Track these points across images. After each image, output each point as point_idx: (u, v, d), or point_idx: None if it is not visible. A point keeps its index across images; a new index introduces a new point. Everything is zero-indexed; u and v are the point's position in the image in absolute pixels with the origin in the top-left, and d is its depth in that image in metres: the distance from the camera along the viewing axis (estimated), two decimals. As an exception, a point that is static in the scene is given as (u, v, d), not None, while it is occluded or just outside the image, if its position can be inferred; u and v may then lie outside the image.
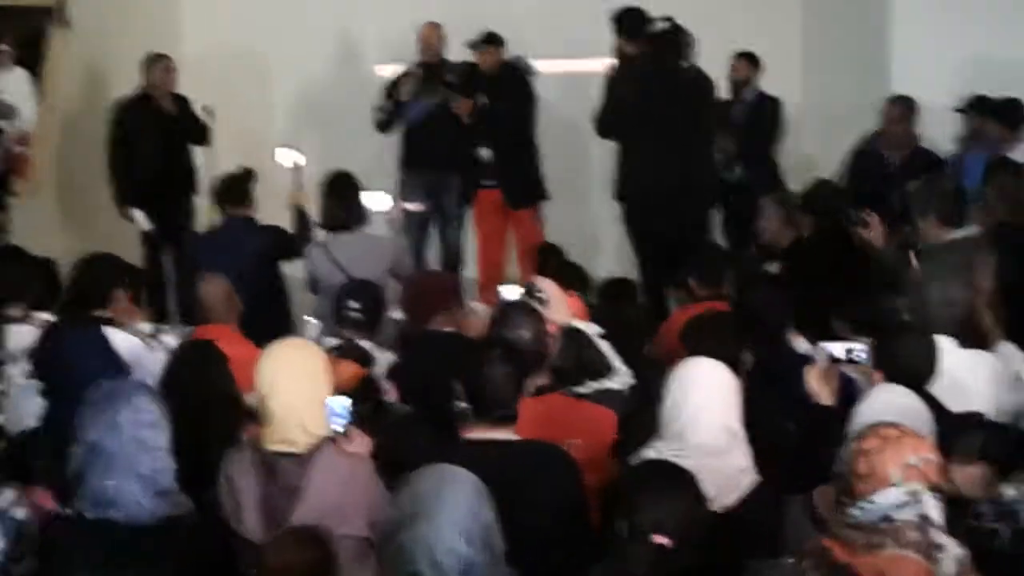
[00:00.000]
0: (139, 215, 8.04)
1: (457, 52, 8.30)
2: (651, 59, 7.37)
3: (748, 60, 8.22)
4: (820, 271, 5.87)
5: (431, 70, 8.14)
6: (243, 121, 9.26)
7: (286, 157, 6.63)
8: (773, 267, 6.17)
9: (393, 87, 8.21)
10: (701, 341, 4.16)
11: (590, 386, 4.23)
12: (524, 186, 8.10)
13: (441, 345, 4.83)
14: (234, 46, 9.67)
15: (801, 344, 5.06)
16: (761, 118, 8.13)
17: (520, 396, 3.67)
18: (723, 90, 8.05)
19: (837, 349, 4.16)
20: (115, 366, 4.54)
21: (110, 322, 4.84)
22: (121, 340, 4.74)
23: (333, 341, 5.10)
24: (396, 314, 5.58)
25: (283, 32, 9.66)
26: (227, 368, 4.23)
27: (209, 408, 4.05)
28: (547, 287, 4.25)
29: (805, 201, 6.34)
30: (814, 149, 8.59)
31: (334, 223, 6.11)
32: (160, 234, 8.14)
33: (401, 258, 6.16)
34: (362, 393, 4.21)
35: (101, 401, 3.29)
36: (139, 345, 4.83)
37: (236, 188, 6.51)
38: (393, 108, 8.15)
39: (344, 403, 3.62)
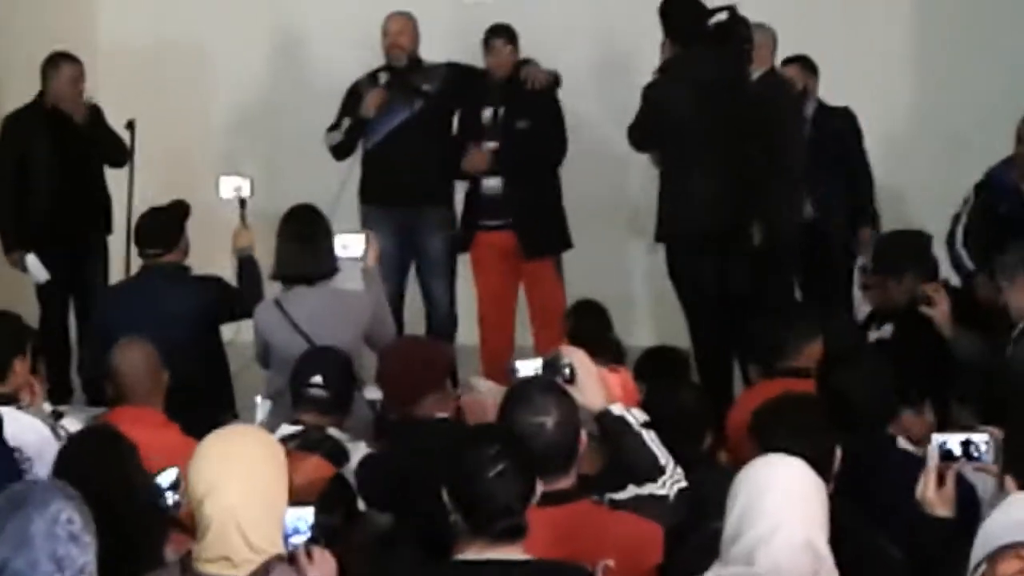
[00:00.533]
0: (33, 262, 8.03)
1: (436, 51, 8.28)
2: (705, 61, 7.41)
3: (801, 65, 8.16)
4: (933, 341, 5.86)
5: (401, 76, 8.13)
6: (172, 137, 9.32)
7: (228, 186, 6.63)
8: (883, 331, 6.17)
9: (351, 100, 8.18)
10: (777, 433, 4.13)
11: (630, 491, 4.20)
12: (545, 229, 8.05)
13: (430, 435, 4.81)
14: (161, 42, 9.74)
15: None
16: (827, 137, 8.05)
17: (529, 502, 3.65)
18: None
19: (952, 442, 4.14)
20: (13, 461, 4.51)
21: (9, 400, 4.85)
22: (25, 425, 4.74)
23: (290, 428, 5.08)
24: (372, 393, 5.56)
25: (222, 26, 9.73)
26: (138, 461, 4.20)
27: (118, 515, 4.02)
28: (578, 359, 4.22)
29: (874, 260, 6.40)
30: (929, 181, 8.61)
31: (293, 274, 6.09)
32: (63, 286, 8.14)
33: (380, 320, 6.12)
34: (330, 498, 4.20)
35: (6, 508, 3.27)
36: (46, 433, 4.84)
37: (163, 226, 6.51)
38: (354, 127, 8.12)
39: (305, 514, 3.59)
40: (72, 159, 8.12)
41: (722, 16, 7.56)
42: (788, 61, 8.15)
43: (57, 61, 8.14)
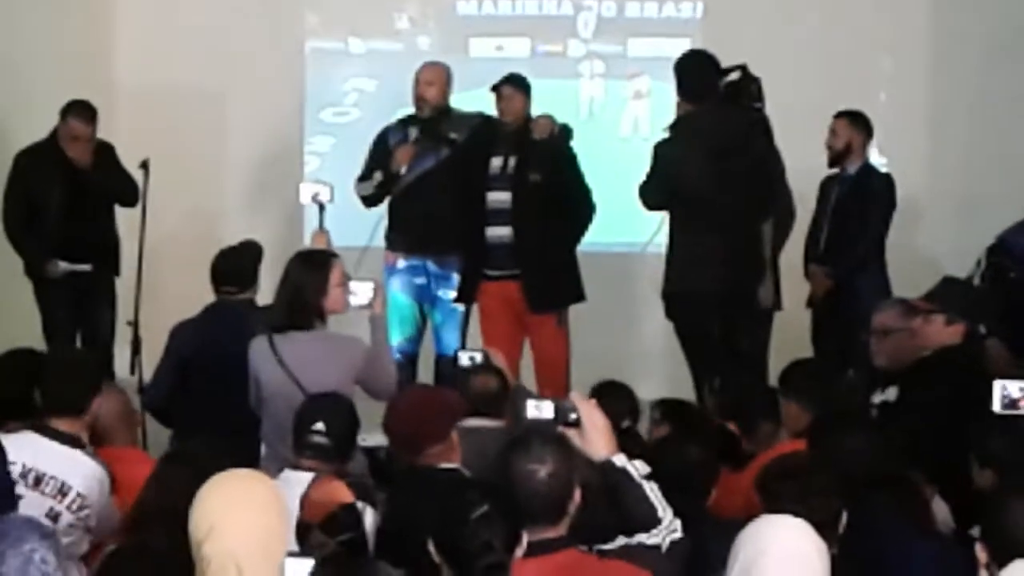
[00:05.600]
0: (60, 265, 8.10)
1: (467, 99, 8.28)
2: (715, 121, 7.40)
3: (849, 121, 8.05)
4: (942, 401, 5.79)
5: (429, 125, 8.13)
6: (186, 178, 9.32)
7: (307, 192, 6.81)
8: (888, 393, 6.08)
9: (380, 149, 8.19)
10: (783, 493, 4.09)
11: (618, 541, 4.14)
12: (552, 283, 7.91)
13: (433, 485, 4.77)
14: (177, 83, 9.74)
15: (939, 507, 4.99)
16: (862, 198, 7.95)
17: (512, 549, 3.62)
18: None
19: None
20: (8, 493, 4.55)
21: (78, 443, 5.01)
22: (89, 472, 4.95)
23: (298, 475, 5.00)
24: (370, 440, 5.53)
25: (238, 68, 9.73)
26: None
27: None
28: (585, 408, 4.17)
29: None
30: (941, 245, 8.59)
31: (281, 324, 5.90)
32: (69, 324, 8.14)
33: (377, 367, 5.93)
34: (335, 522, 4.22)
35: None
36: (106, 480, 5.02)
37: (243, 266, 6.64)
38: (385, 182, 8.11)
39: (303, 566, 3.55)
40: (81, 199, 8.10)
41: (734, 75, 7.58)
42: (840, 115, 8.02)
43: (72, 109, 8.09)
